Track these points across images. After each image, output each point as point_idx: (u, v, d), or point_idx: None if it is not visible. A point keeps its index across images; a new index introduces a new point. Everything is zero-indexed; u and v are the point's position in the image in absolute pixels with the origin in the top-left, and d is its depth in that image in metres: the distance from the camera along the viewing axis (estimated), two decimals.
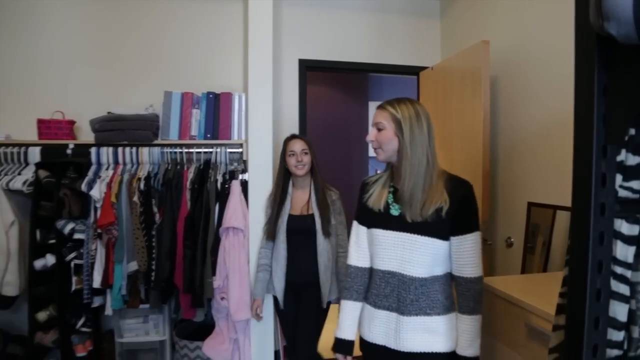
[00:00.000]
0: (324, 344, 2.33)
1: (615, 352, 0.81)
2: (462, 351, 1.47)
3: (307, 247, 2.39)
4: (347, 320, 1.64)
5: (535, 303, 1.56)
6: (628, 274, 0.80)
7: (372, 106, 5.38)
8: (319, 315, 2.43)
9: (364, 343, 1.63)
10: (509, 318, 1.68)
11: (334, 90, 5.02)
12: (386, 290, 1.54)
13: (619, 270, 0.79)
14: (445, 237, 1.48)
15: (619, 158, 0.77)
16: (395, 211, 1.54)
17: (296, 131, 3.32)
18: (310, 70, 3.41)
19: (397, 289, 1.51)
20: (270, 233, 2.45)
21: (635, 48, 0.65)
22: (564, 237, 2.39)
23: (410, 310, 1.49)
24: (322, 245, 2.38)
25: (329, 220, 2.42)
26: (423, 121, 1.50)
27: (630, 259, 0.80)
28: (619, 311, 0.80)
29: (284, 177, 2.48)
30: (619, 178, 0.78)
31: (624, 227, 0.79)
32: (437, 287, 1.50)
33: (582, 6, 0.72)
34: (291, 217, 2.43)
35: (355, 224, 1.68)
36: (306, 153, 2.43)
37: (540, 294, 1.68)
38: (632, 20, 0.60)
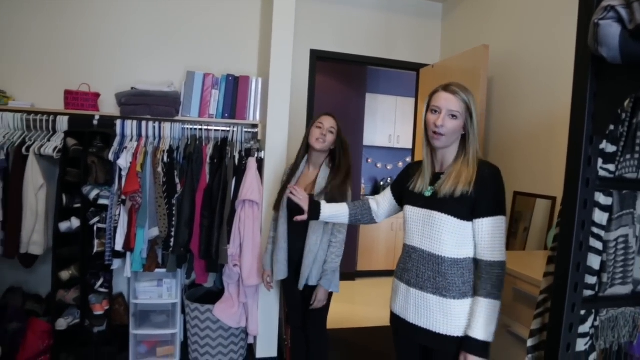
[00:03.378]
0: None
1: (589, 293, 1.08)
2: (473, 333, 1.45)
3: (303, 227, 2.29)
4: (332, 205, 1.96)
5: (521, 270, 1.85)
6: (602, 233, 1.07)
7: (370, 98, 5.60)
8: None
9: (391, 315, 1.72)
10: None
11: (333, 79, 5.21)
12: (408, 264, 1.61)
13: (595, 230, 1.06)
14: (465, 217, 1.50)
15: (601, 146, 1.04)
16: (428, 192, 1.60)
17: (304, 116, 3.56)
18: (320, 60, 3.63)
19: (417, 264, 1.58)
20: (276, 204, 2.45)
21: (618, 66, 0.89)
22: (542, 222, 2.69)
23: (428, 286, 1.53)
24: (314, 228, 2.29)
25: None
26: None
27: (604, 222, 1.07)
28: (594, 261, 1.07)
29: (303, 151, 2.44)
30: (600, 161, 1.04)
31: (601, 198, 1.06)
32: (455, 271, 1.51)
33: (582, 33, 0.97)
34: None
35: (387, 189, 1.89)
36: (332, 132, 2.35)
37: (524, 265, 1.97)
38: (617, 47, 0.86)
